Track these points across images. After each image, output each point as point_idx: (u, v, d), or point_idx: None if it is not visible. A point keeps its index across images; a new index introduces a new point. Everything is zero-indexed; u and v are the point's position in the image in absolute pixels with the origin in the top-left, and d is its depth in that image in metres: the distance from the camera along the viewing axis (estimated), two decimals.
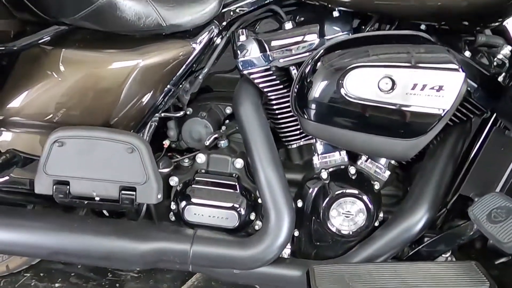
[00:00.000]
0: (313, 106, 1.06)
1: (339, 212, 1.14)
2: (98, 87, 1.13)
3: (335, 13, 1.12)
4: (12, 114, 1.18)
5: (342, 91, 1.01)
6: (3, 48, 1.02)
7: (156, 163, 1.14)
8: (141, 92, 1.14)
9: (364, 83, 1.00)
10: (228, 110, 1.38)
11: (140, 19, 1.08)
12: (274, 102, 1.22)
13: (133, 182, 1.08)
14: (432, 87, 0.97)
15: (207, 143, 1.26)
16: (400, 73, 0.98)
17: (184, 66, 1.16)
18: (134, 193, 1.08)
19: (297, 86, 1.09)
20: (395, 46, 1.01)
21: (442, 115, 0.98)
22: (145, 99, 1.16)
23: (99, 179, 1.09)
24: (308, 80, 1.06)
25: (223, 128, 1.33)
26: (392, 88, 0.99)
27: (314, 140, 1.20)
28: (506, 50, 1.11)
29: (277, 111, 1.23)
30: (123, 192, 1.09)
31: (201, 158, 1.24)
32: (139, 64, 1.11)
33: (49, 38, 1.08)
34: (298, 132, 1.25)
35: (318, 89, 1.04)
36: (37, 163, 1.11)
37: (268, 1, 1.17)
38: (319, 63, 1.05)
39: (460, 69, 0.97)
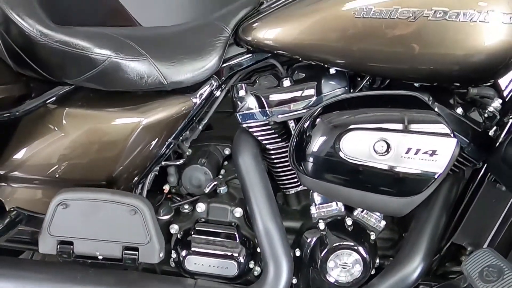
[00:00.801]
0: (311, 162, 1.09)
1: (336, 263, 1.18)
2: (101, 144, 1.16)
3: (332, 71, 1.15)
4: (14, 169, 1.20)
5: (339, 151, 1.05)
6: (7, 114, 1.05)
7: (157, 212, 1.17)
8: (143, 147, 1.17)
9: (360, 145, 1.04)
10: (227, 151, 1.41)
11: (142, 78, 1.11)
12: (272, 152, 1.25)
13: (136, 243, 1.11)
14: (425, 152, 1.00)
15: (207, 190, 1.30)
16: (395, 137, 1.02)
17: (185, 120, 1.19)
18: (136, 252, 1.12)
19: (295, 141, 1.13)
20: (390, 111, 1.04)
21: (436, 177, 1.02)
22: (147, 153, 1.19)
23: (102, 239, 1.12)
24: (307, 136, 1.09)
25: (222, 172, 1.36)
26: (387, 151, 1.02)
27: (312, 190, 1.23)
28: (496, 103, 1.14)
29: (275, 160, 1.26)
30: (125, 252, 1.12)
31: (201, 207, 1.27)
32: (142, 122, 1.14)
33: (54, 98, 1.10)
34: (296, 179, 1.28)
35: (315, 146, 1.08)
36: (41, 218, 1.13)
37: (266, 56, 1.20)
38: (317, 121, 1.09)
39: (452, 135, 1.00)
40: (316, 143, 1.07)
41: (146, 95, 1.17)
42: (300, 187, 1.29)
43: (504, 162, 1.05)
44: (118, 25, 1.36)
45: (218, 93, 1.23)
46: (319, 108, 1.10)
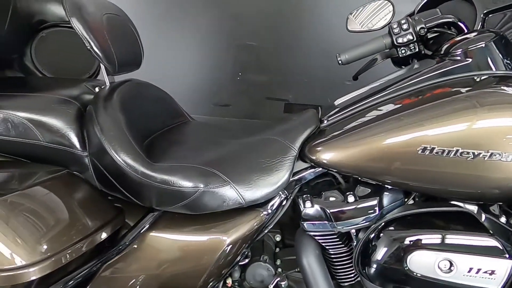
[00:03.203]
0: (375, 271, 1.23)
1: None
2: (186, 263, 1.26)
3: (388, 186, 1.29)
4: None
5: (404, 266, 1.18)
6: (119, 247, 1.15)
7: None
8: (225, 260, 1.28)
9: (425, 262, 1.18)
10: (278, 238, 1.54)
11: (224, 201, 1.23)
12: (332, 253, 1.38)
13: None
14: (485, 271, 1.15)
15: (271, 286, 1.42)
16: (458, 258, 1.16)
17: (258, 233, 1.31)
18: None
19: (360, 249, 1.26)
20: (453, 233, 1.18)
21: None
22: (227, 264, 1.30)
23: None
24: (372, 246, 1.23)
25: (278, 262, 1.48)
26: (450, 269, 1.17)
27: None
28: None
29: (335, 260, 1.39)
30: None
31: None
32: (226, 241, 1.25)
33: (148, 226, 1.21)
34: (352, 275, 1.41)
35: (380, 258, 1.21)
36: None
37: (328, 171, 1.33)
38: (382, 235, 1.22)
39: (508, 255, 1.15)
40: (381, 255, 1.21)
41: (223, 213, 1.28)
42: (355, 280, 1.42)
43: None
44: (176, 123, 1.48)
45: (284, 203, 1.35)
46: (382, 223, 1.24)
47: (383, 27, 1.53)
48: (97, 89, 1.38)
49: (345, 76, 3.14)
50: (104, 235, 1.13)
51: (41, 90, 1.32)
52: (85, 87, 1.37)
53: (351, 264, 1.38)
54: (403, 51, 1.39)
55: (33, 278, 0.98)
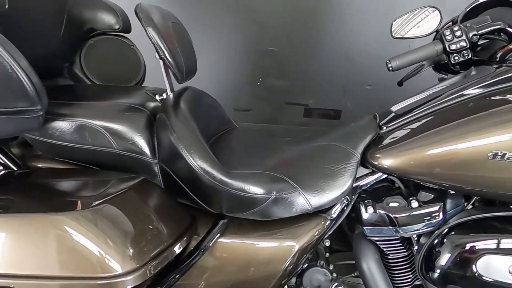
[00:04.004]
0: (441, 276, 1.25)
1: None
2: (255, 271, 1.27)
3: (451, 191, 1.31)
4: None
5: (473, 271, 1.20)
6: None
7: None
8: (291, 268, 1.29)
9: (495, 267, 1.20)
10: (327, 243, 1.55)
11: (293, 208, 1.25)
12: (391, 258, 1.40)
13: None
14: None
15: None
16: None
17: (322, 238, 1.33)
18: None
19: (424, 255, 1.28)
20: None
21: None
22: (293, 269, 1.31)
23: None
24: (436, 252, 1.25)
25: (331, 267, 1.49)
26: None
27: None
28: None
29: (392, 264, 1.41)
30: None
31: None
32: (295, 247, 1.27)
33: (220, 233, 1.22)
34: (409, 280, 1.43)
35: (446, 262, 1.23)
36: None
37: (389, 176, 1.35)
38: (446, 241, 1.24)
39: None
40: (446, 260, 1.23)
41: (289, 219, 1.29)
42: (411, 286, 1.44)
43: None
44: (226, 129, 1.49)
45: (345, 208, 1.37)
46: (446, 228, 1.26)
47: (430, 34, 1.56)
48: (157, 97, 1.39)
49: (365, 80, 3.20)
50: (184, 243, 1.14)
51: (109, 98, 1.33)
52: (147, 94, 1.38)
53: (409, 269, 1.40)
54: (456, 58, 1.42)
55: (129, 286, 0.99)
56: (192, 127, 1.23)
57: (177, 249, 1.10)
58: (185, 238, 1.14)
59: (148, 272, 1.00)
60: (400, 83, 1.69)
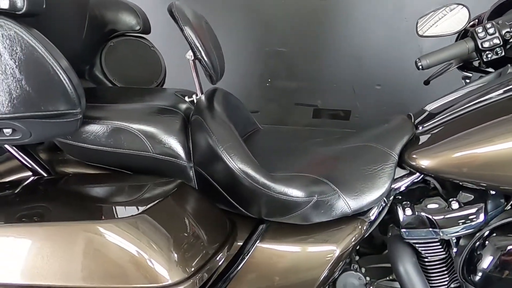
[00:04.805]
0: (482, 279, 1.23)
1: None
2: (294, 276, 1.24)
3: (492, 191, 1.28)
4: None
5: None
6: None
7: None
8: (332, 272, 1.26)
9: None
10: (357, 246, 1.52)
11: (333, 211, 1.22)
12: (429, 260, 1.37)
13: None
14: None
15: None
16: None
17: (360, 241, 1.29)
18: None
19: (466, 257, 1.25)
20: None
21: None
22: (332, 275, 1.28)
23: None
24: (478, 256, 1.22)
25: (363, 270, 1.46)
26: None
27: None
28: None
29: (429, 267, 1.38)
30: None
31: None
32: (336, 252, 1.23)
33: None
34: (446, 282, 1.40)
35: (488, 266, 1.21)
36: None
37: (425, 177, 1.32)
38: (488, 243, 1.22)
39: None
40: (489, 263, 1.21)
41: (328, 222, 1.26)
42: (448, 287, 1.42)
43: None
44: (251, 130, 1.46)
45: (382, 210, 1.34)
46: (487, 231, 1.23)
47: (458, 32, 1.54)
48: (186, 98, 1.36)
49: (374, 80, 3.17)
50: (226, 251, 1.10)
51: (141, 100, 1.29)
52: (177, 96, 1.34)
53: (446, 272, 1.37)
54: (488, 55, 1.39)
55: None
56: (231, 129, 1.19)
57: (221, 257, 1.06)
58: (227, 246, 1.10)
59: (196, 283, 0.96)
60: (427, 82, 1.66)
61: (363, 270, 1.47)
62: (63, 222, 0.97)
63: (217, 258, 1.04)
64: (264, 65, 3.14)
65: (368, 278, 1.44)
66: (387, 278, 1.43)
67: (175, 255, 0.95)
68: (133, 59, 1.67)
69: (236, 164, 1.15)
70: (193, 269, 0.97)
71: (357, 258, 1.52)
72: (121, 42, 1.66)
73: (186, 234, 1.01)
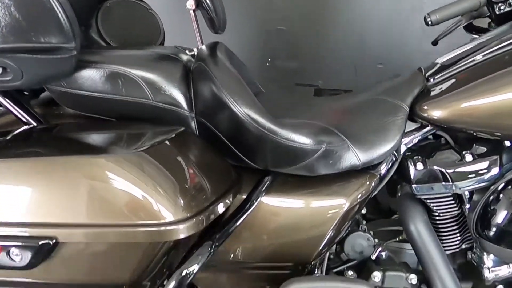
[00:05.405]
0: (496, 233, 1.17)
1: None
2: (301, 230, 1.19)
3: (507, 143, 1.23)
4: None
5: None
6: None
7: None
8: (341, 228, 1.20)
9: None
10: (363, 211, 1.46)
11: (342, 162, 1.16)
12: (441, 218, 1.31)
13: None
14: None
15: (374, 257, 1.35)
16: None
17: (370, 196, 1.24)
18: None
19: (480, 212, 1.19)
20: None
21: None
22: (341, 231, 1.22)
23: None
24: (492, 211, 1.17)
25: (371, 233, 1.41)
26: None
27: (484, 255, 1.29)
28: None
29: (440, 225, 1.33)
30: None
31: (377, 276, 1.32)
32: (345, 206, 1.18)
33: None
34: (457, 242, 1.34)
35: (503, 220, 1.15)
36: None
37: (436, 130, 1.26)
38: (502, 196, 1.17)
39: None
40: (503, 217, 1.15)
41: (336, 175, 1.20)
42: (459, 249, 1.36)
43: None
44: (254, 93, 1.39)
45: (392, 165, 1.28)
46: (502, 183, 1.18)
47: None
48: (187, 51, 1.30)
49: (376, 59, 3.11)
50: (231, 198, 1.04)
51: (142, 48, 1.23)
52: (178, 48, 1.28)
53: (457, 230, 1.32)
54: (501, 7, 1.34)
55: (181, 236, 0.89)
56: (235, 74, 1.14)
57: (224, 205, 1.01)
58: (231, 194, 1.05)
59: (199, 224, 0.90)
60: (435, 42, 1.61)
61: (371, 233, 1.41)
62: (61, 157, 0.91)
63: (221, 204, 0.98)
64: (264, 44, 3.09)
65: (376, 240, 1.38)
66: (397, 239, 1.38)
67: (177, 194, 0.90)
68: (131, 21, 1.61)
69: (241, 108, 1.10)
70: (195, 210, 0.91)
71: (364, 222, 1.47)
72: (118, 4, 1.59)
73: (187, 176, 0.95)
